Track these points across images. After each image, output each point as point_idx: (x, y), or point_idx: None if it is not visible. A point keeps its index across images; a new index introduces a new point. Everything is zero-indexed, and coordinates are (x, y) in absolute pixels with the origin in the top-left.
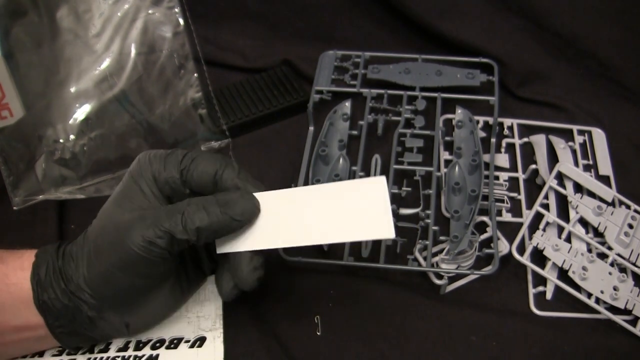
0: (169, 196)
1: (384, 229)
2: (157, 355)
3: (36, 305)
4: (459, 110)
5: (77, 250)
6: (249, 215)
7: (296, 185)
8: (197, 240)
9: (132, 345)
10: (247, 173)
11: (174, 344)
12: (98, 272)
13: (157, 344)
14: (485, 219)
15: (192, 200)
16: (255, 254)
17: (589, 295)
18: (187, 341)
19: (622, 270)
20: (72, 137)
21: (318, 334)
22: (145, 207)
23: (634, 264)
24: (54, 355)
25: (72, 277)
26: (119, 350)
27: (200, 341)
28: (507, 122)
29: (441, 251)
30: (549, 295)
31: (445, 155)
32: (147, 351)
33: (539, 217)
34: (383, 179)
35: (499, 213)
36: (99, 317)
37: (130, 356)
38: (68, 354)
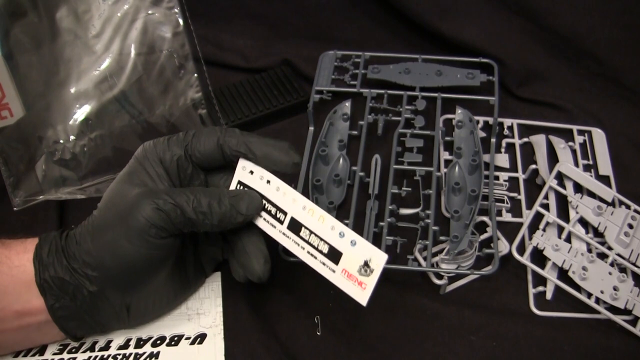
0: (174, 177)
1: (361, 296)
2: (158, 353)
3: (37, 285)
4: (459, 110)
5: (82, 230)
6: (254, 210)
7: (296, 186)
8: (201, 224)
9: (132, 343)
10: (249, 133)
11: (175, 341)
12: (103, 242)
13: (158, 341)
14: (485, 219)
15: (204, 188)
16: (261, 250)
17: (589, 295)
18: (188, 338)
19: (622, 270)
20: (72, 137)
21: (318, 334)
22: (152, 187)
23: (634, 264)
24: (54, 354)
25: (75, 253)
26: (120, 347)
27: (201, 338)
28: (507, 122)
29: (441, 251)
30: (549, 295)
31: (445, 155)
32: (147, 348)
33: (539, 217)
34: (385, 256)
35: (499, 213)
36: (100, 295)
37: (131, 354)
38: (69, 352)
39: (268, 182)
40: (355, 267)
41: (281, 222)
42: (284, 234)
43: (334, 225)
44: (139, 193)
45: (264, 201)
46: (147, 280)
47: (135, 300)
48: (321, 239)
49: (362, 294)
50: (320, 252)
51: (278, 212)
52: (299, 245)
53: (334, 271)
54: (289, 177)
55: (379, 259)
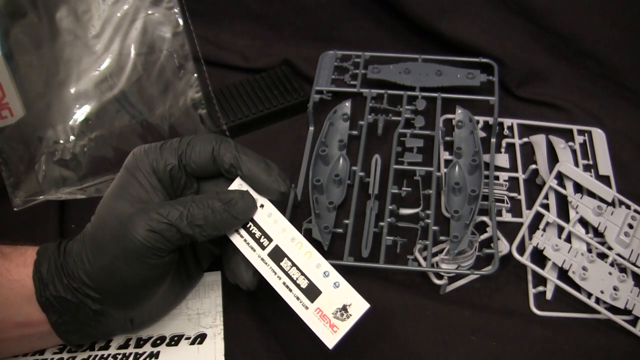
0: (167, 187)
1: (329, 339)
2: (158, 352)
3: (39, 303)
4: (459, 110)
5: (78, 246)
6: (249, 214)
7: (296, 187)
8: (198, 236)
9: (132, 343)
10: (243, 146)
11: (175, 340)
12: (101, 265)
13: (158, 341)
14: (485, 219)
15: (196, 198)
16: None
17: (589, 295)
18: (188, 338)
19: (622, 270)
20: (72, 138)
21: None
22: (145, 200)
23: (634, 264)
24: (54, 353)
25: (74, 273)
26: (120, 347)
27: (201, 338)
28: (507, 122)
29: (441, 251)
30: (549, 295)
31: (445, 155)
32: (147, 348)
33: (539, 217)
34: (367, 306)
35: (499, 213)
36: (103, 313)
37: (130, 353)
38: (69, 352)
39: (262, 206)
40: (332, 309)
41: (263, 248)
42: (262, 259)
43: (320, 263)
44: (132, 213)
45: (250, 222)
46: (149, 296)
47: (138, 313)
48: (302, 274)
49: (331, 336)
50: (298, 286)
51: (263, 237)
52: (275, 274)
53: (306, 308)
54: (289, 178)
55: (360, 306)
